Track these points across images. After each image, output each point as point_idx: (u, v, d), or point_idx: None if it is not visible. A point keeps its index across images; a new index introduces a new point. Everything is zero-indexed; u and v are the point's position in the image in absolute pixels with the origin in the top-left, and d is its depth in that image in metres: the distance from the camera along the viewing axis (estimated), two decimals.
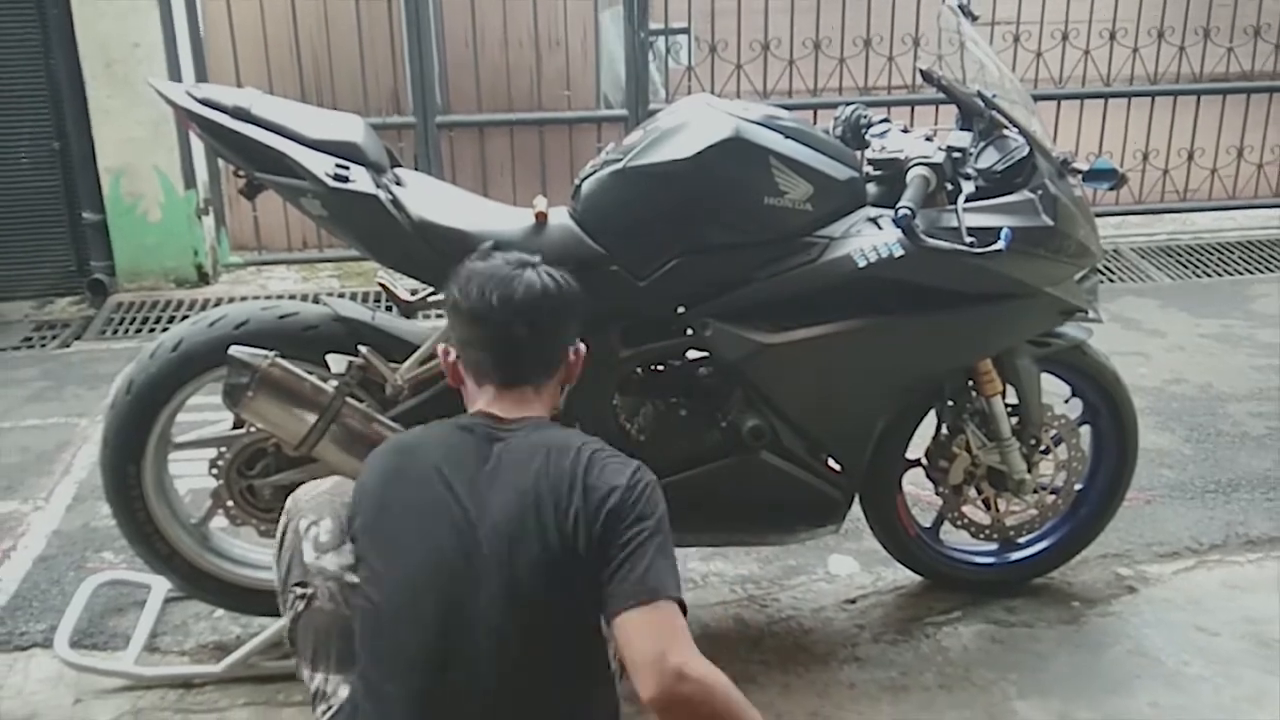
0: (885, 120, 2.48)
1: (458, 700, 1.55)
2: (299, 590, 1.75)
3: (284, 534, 1.83)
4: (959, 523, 2.61)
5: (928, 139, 2.34)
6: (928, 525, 2.64)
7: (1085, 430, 2.63)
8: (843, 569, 2.80)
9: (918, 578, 2.70)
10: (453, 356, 1.81)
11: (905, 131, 2.41)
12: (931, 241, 2.14)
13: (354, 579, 1.72)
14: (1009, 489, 2.53)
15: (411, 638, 1.57)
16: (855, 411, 2.39)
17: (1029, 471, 2.52)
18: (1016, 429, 2.51)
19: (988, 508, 2.59)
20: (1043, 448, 2.56)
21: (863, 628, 2.57)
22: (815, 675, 2.39)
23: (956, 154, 2.34)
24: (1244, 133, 5.89)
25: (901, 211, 2.10)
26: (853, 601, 2.67)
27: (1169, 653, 2.44)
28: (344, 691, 1.68)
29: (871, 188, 2.37)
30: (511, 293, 1.69)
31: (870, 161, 2.39)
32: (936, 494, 2.59)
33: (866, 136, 2.46)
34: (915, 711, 2.28)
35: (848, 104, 2.56)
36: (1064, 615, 2.60)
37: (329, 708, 1.69)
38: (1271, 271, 5.32)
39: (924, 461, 2.58)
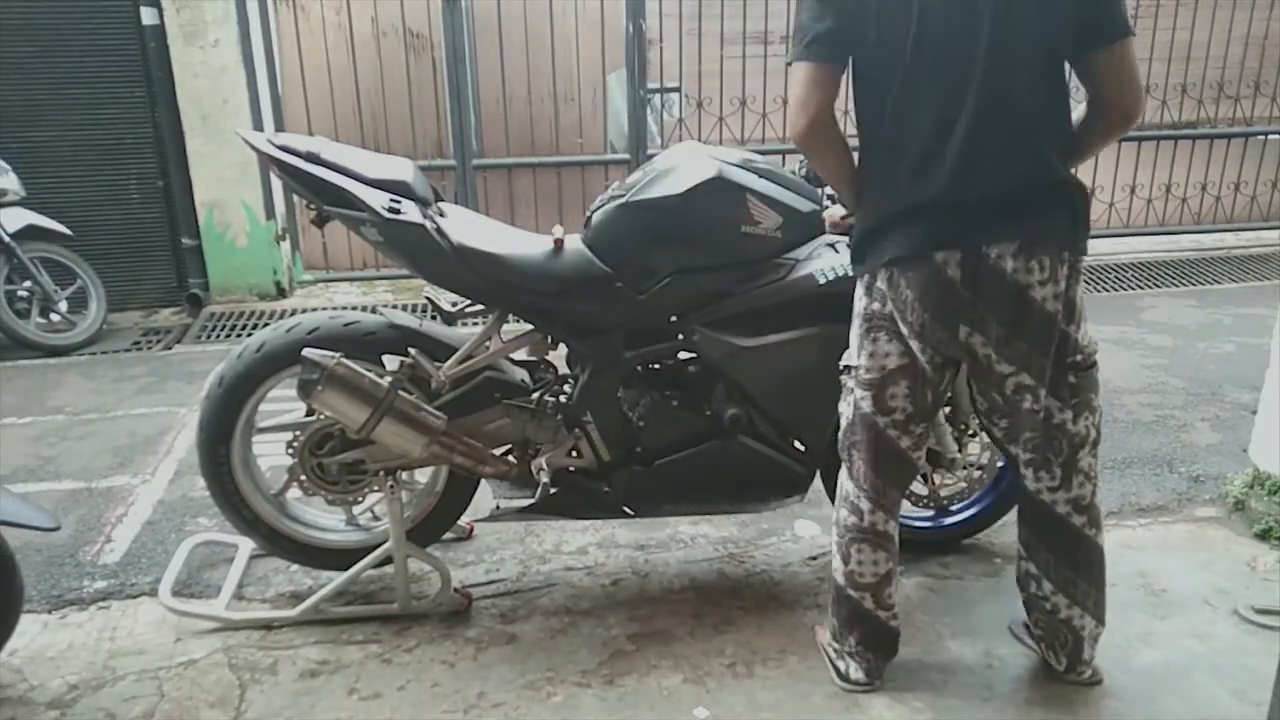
0: None
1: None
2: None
3: None
4: None
5: None
6: None
7: None
8: (806, 532, 2.80)
9: None
10: None
11: None
12: None
13: None
14: (943, 466, 2.52)
15: None
16: (817, 402, 2.36)
17: (960, 451, 2.52)
18: (949, 416, 2.50)
19: (926, 481, 2.58)
20: (971, 432, 2.56)
21: (823, 580, 2.55)
22: (784, 619, 2.38)
23: None
24: (1135, 174, 5.91)
25: None
26: (814, 559, 2.67)
27: None
28: None
29: None
30: None
31: (829, 197, 2.39)
32: None
33: None
34: None
35: None
36: (988, 569, 2.59)
37: None
38: (1158, 287, 5.32)
39: None
